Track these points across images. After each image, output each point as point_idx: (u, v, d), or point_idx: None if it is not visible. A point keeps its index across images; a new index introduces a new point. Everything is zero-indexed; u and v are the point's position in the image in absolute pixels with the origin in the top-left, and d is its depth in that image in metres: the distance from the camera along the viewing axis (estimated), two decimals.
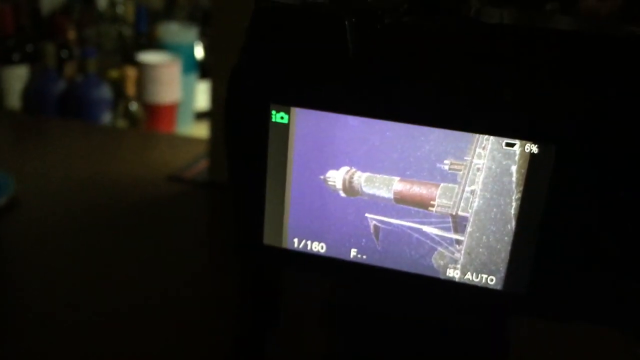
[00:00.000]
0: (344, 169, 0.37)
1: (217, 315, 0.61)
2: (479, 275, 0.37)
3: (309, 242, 0.39)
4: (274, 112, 0.37)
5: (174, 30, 1.54)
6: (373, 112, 0.35)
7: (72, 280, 0.67)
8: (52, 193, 0.87)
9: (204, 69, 1.56)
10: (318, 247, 0.39)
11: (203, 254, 0.76)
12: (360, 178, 0.37)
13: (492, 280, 0.37)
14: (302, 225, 0.39)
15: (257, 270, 0.43)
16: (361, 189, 0.37)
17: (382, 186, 0.37)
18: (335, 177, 0.37)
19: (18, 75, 1.44)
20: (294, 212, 0.39)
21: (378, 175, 0.37)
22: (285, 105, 0.36)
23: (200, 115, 1.58)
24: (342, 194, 0.38)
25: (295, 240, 0.39)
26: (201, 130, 1.44)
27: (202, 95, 1.57)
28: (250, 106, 0.37)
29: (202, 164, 0.98)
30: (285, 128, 0.37)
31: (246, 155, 0.38)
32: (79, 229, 0.78)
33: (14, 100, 1.44)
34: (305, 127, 0.37)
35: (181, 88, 1.49)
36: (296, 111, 0.37)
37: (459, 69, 0.34)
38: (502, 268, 0.36)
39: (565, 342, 0.60)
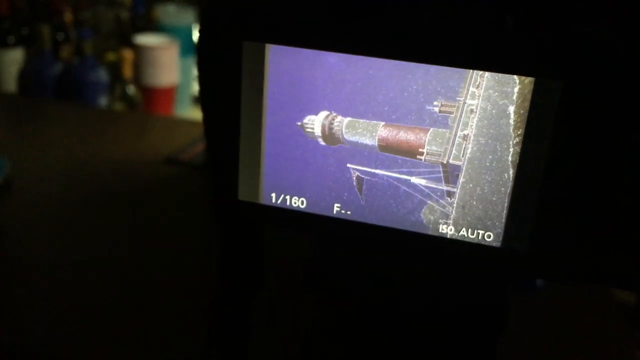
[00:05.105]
0: (323, 113, 0.34)
1: (206, 290, 0.60)
2: (474, 231, 0.34)
3: (287, 197, 0.36)
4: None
5: (171, 12, 1.51)
6: (355, 48, 0.32)
7: (66, 261, 0.67)
8: (47, 175, 0.86)
9: None
10: (298, 202, 0.36)
11: (199, 235, 0.75)
12: (341, 123, 0.34)
13: (489, 236, 0.33)
14: (279, 178, 0.35)
15: (236, 230, 0.39)
16: (342, 135, 0.34)
17: (366, 132, 0.33)
18: (314, 123, 0.34)
19: (13, 58, 1.42)
20: (270, 164, 0.35)
21: (361, 120, 0.33)
22: (258, 41, 0.33)
23: (198, 99, 1.55)
24: (322, 142, 0.34)
25: (273, 195, 0.36)
26: (199, 115, 1.41)
27: None
28: (222, 44, 0.34)
29: (199, 147, 0.97)
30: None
31: (218, 100, 0.35)
32: (74, 210, 0.77)
33: (10, 83, 1.41)
34: (280, 66, 0.33)
35: (179, 71, 1.47)
36: (270, 48, 0.33)
37: None
38: (500, 223, 0.33)
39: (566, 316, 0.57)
